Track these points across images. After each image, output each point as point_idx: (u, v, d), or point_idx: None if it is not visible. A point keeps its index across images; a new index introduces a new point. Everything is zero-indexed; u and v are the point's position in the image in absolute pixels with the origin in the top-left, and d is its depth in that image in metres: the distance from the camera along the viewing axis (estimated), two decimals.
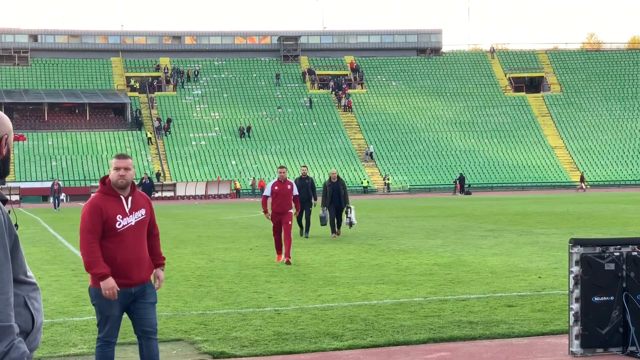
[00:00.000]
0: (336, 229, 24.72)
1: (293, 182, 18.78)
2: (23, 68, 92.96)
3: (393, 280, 15.01)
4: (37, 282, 3.59)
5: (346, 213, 24.75)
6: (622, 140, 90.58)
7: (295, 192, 18.29)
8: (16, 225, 3.54)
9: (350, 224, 24.66)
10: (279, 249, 17.63)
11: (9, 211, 3.51)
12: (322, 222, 24.84)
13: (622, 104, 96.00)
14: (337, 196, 24.88)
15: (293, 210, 18.24)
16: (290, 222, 17.70)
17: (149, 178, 51.21)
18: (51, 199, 56.20)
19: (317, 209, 25.70)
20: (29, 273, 3.55)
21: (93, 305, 6.99)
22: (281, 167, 18.74)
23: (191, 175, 78.58)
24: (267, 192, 18.02)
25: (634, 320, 8.81)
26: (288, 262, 16.79)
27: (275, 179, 18.18)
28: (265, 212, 17.98)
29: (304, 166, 27.01)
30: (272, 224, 17.99)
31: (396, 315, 11.25)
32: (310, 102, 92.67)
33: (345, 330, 10.26)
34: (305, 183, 24.79)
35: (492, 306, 11.87)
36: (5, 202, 3.50)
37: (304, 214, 24.46)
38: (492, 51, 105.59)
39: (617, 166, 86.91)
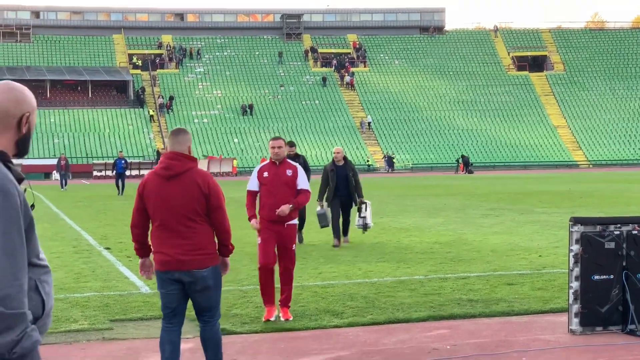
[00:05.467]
0: (341, 233, 16.93)
1: (297, 165, 9.91)
2: (25, 45, 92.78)
3: (394, 259, 15.03)
4: (48, 264, 3.51)
5: (359, 211, 16.92)
6: (625, 120, 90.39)
7: (303, 183, 9.75)
8: (32, 206, 3.44)
9: (365, 226, 16.95)
10: (268, 296, 9.55)
11: (25, 190, 3.45)
12: (322, 222, 16.53)
13: (625, 84, 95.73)
14: (343, 185, 16.73)
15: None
16: (293, 247, 9.68)
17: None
18: (56, 175, 55.14)
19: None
20: (42, 255, 3.45)
21: (217, 285, 6.70)
22: (276, 138, 9.90)
23: (193, 153, 77.98)
24: (253, 183, 9.73)
25: (634, 298, 8.83)
26: (287, 319, 9.47)
27: (267, 161, 9.92)
28: (253, 216, 9.73)
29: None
30: (258, 245, 9.75)
31: (396, 293, 11.27)
32: (324, 80, 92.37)
33: (345, 308, 10.29)
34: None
35: (493, 284, 11.90)
36: (21, 180, 3.41)
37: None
38: (496, 30, 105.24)
39: (620, 146, 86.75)
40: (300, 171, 9.71)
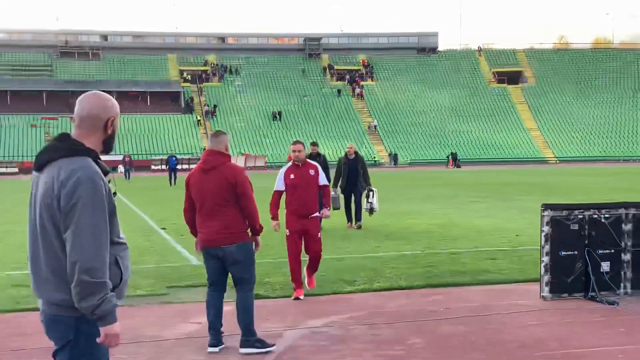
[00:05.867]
0: (353, 218, 17.00)
1: (316, 164, 9.35)
2: (96, 62, 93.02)
3: (397, 237, 15.04)
4: (126, 242, 3.56)
5: (367, 197, 16.74)
6: (586, 124, 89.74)
7: (323, 179, 9.26)
8: (115, 193, 3.50)
9: (371, 209, 16.72)
10: (297, 280, 9.06)
11: (109, 181, 3.48)
12: (335, 205, 15.76)
13: (586, 94, 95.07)
14: (354, 176, 16.79)
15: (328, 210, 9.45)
16: (319, 235, 9.26)
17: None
18: (122, 169, 55.77)
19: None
20: (121, 235, 3.52)
21: (247, 259, 6.72)
22: (296, 142, 9.20)
23: (232, 151, 78.15)
24: (280, 184, 9.08)
25: (594, 271, 8.81)
26: (311, 287, 9.38)
27: (290, 163, 9.22)
28: (274, 217, 8.99)
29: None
30: (285, 237, 9.20)
31: (399, 265, 11.28)
32: (339, 92, 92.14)
33: (357, 277, 10.30)
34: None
35: (478, 259, 11.88)
36: (107, 173, 3.45)
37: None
38: (479, 50, 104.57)
39: (581, 145, 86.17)
40: (320, 169, 9.29)
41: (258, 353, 6.52)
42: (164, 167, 57.31)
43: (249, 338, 6.62)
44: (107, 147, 3.55)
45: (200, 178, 6.66)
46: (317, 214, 9.14)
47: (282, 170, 9.18)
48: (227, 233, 6.57)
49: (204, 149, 47.88)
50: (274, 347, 6.65)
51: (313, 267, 9.35)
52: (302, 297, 8.91)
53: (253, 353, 6.55)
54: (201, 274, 10.61)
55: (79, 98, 3.56)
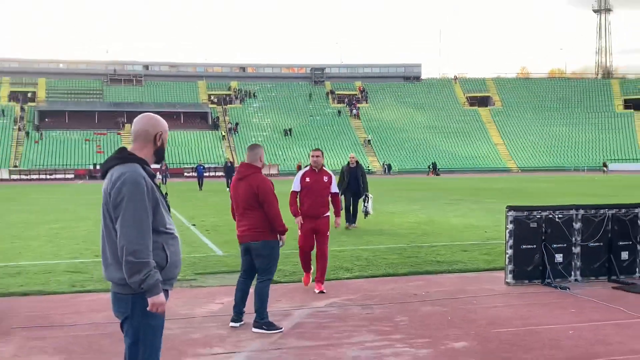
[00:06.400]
0: (352, 218, 16.14)
1: (331, 172, 8.64)
2: (138, 87, 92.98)
3: (387, 232, 15.01)
4: (174, 233, 3.61)
5: (364, 201, 16.21)
6: (543, 139, 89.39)
7: (335, 187, 8.63)
8: (166, 194, 3.60)
9: (366, 213, 16.25)
10: (307, 266, 8.65)
11: (159, 185, 3.59)
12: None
13: (542, 115, 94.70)
14: (354, 183, 16.04)
15: (331, 214, 8.52)
16: (327, 233, 8.39)
17: (230, 162, 50.65)
18: (159, 175, 55.51)
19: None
20: (169, 226, 3.57)
21: (267, 255, 6.60)
22: (316, 149, 8.64)
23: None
24: (296, 185, 8.48)
25: (549, 261, 8.80)
26: (320, 291, 8.30)
27: (307, 167, 8.66)
28: (295, 214, 8.41)
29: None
30: (298, 236, 8.58)
31: (388, 256, 11.26)
32: (339, 113, 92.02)
33: (353, 265, 10.28)
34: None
35: (453, 251, 11.85)
36: (153, 177, 3.54)
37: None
38: (455, 78, 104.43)
39: (539, 157, 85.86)
40: (333, 177, 8.60)
41: (264, 333, 6.46)
42: (194, 174, 57.22)
43: (259, 320, 6.58)
44: (158, 157, 3.65)
45: (236, 185, 6.69)
46: (326, 214, 8.36)
47: (300, 173, 8.55)
48: (253, 231, 6.55)
49: (227, 159, 47.40)
50: (282, 330, 6.50)
51: (321, 272, 8.36)
52: (307, 286, 8.61)
53: (260, 332, 6.50)
54: (224, 263, 10.61)
55: (135, 119, 3.67)
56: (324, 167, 8.62)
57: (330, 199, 8.54)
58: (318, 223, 8.28)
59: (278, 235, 6.70)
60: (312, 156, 8.52)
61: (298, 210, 8.39)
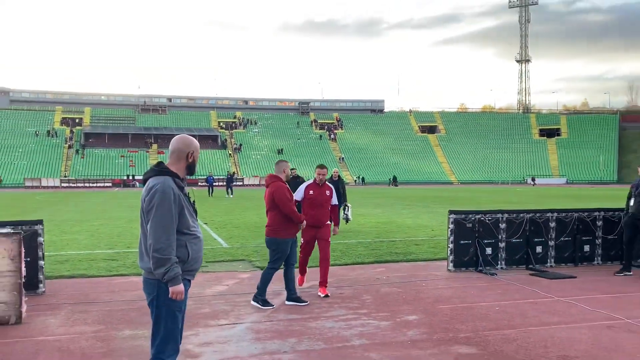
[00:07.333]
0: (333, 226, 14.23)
1: (332, 186, 7.41)
2: (163, 116, 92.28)
3: (356, 230, 14.99)
4: (197, 234, 3.42)
5: (344, 210, 14.60)
6: (477, 159, 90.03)
7: (335, 200, 7.36)
8: (194, 201, 3.47)
9: (347, 219, 14.64)
10: (303, 269, 7.63)
11: (189, 193, 3.47)
12: None
13: (477, 141, 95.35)
14: (337, 194, 12.63)
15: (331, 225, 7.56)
16: (329, 240, 7.18)
17: (230, 174, 49.66)
18: (209, 188, 54.14)
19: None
20: (192, 228, 3.39)
21: (274, 250, 6.48)
22: (321, 167, 7.40)
23: (251, 173, 78.25)
24: (299, 195, 7.24)
25: (481, 253, 8.83)
26: (325, 294, 7.01)
27: (311, 180, 7.35)
28: (300, 219, 6.59)
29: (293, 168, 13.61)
30: (301, 244, 7.36)
31: (357, 248, 11.24)
32: (320, 137, 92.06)
33: (330, 256, 10.25)
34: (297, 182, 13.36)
35: (407, 244, 11.87)
36: (182, 188, 3.40)
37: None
38: (410, 111, 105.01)
39: (474, 173, 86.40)
40: (334, 191, 7.37)
41: (260, 308, 6.43)
42: (205, 183, 56.73)
43: (257, 296, 6.56)
44: (190, 171, 3.54)
45: (265, 191, 6.67)
46: (328, 222, 7.25)
47: (304, 185, 7.28)
48: (268, 228, 6.54)
49: (228, 171, 46.74)
50: (273, 307, 6.47)
51: (324, 277, 7.11)
52: (301, 285, 7.59)
53: (256, 306, 6.48)
54: (229, 253, 10.52)
55: (173, 138, 3.57)
56: (326, 182, 7.51)
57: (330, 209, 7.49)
58: (320, 230, 7.18)
59: (298, 225, 6.55)
60: (318, 173, 7.29)
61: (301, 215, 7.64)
